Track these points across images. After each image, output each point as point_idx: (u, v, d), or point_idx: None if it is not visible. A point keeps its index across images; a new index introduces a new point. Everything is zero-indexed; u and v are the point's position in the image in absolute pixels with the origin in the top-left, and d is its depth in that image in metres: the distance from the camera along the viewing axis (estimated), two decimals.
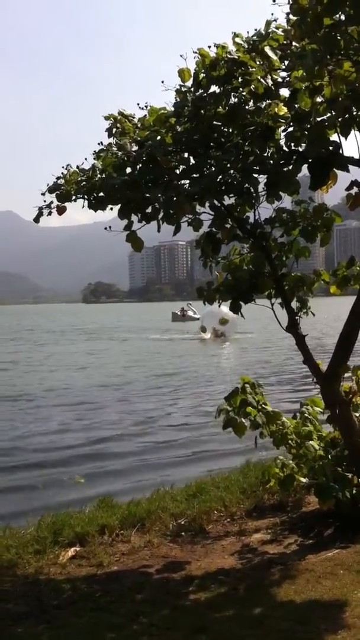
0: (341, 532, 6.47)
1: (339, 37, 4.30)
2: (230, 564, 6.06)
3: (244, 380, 7.37)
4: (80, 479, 11.01)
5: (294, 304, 6.62)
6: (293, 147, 5.81)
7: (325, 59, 4.42)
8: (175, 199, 5.65)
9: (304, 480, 6.88)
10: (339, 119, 4.99)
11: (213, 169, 5.82)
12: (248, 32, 6.14)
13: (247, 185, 5.69)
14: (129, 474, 11.68)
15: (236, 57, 5.65)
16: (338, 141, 5.53)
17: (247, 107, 5.88)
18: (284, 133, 5.82)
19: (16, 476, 11.72)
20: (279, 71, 6.07)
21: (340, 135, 5.19)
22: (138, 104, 6.41)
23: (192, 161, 6.08)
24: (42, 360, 35.73)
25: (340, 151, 5.49)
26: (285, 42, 6.26)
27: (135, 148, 6.02)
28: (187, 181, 6.01)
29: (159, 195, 5.65)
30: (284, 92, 5.98)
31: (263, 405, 7.20)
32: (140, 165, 5.97)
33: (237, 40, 6.02)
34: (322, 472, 6.50)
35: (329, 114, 5.42)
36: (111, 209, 6.16)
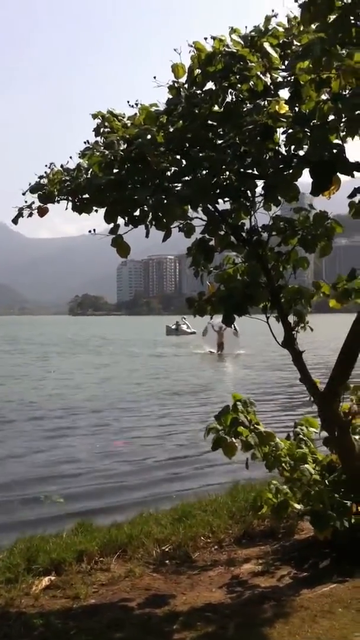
0: (338, 564, 6.01)
1: (352, 20, 3.90)
2: (218, 598, 5.57)
3: (235, 398, 6.92)
4: (59, 499, 10.47)
5: (291, 319, 6.20)
6: (293, 150, 5.41)
7: (335, 47, 4.02)
8: (165, 201, 5.21)
9: (298, 507, 6.41)
10: (345, 117, 4.59)
11: (206, 170, 5.43)
12: (247, 27, 5.79)
13: (243, 188, 5.27)
14: (110, 494, 11.13)
15: (234, 50, 5.26)
16: (341, 144, 5.19)
17: (244, 105, 5.49)
18: (284, 135, 5.43)
19: None
20: (278, 71, 5.73)
21: (345, 135, 4.80)
22: (128, 102, 6.01)
23: (184, 163, 5.70)
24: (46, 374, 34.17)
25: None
26: (286, 39, 5.92)
27: (124, 147, 5.59)
28: (179, 184, 5.62)
29: (148, 197, 5.23)
30: (284, 94, 5.64)
31: (255, 425, 6.74)
32: (128, 164, 5.55)
33: (234, 36, 5.67)
34: (318, 499, 6.04)
35: (332, 117, 5.07)
36: (96, 211, 5.73)
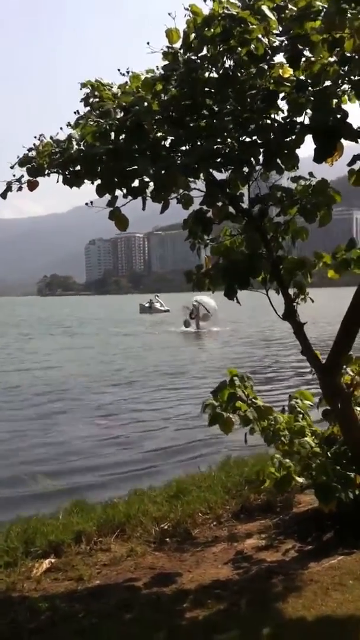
0: (341, 536, 5.97)
1: None
2: (225, 574, 5.50)
3: (231, 373, 6.81)
4: (46, 479, 10.33)
5: (291, 291, 6.08)
6: (295, 116, 5.25)
7: (349, 5, 3.87)
8: (166, 171, 5.03)
9: (300, 480, 6.35)
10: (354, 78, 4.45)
11: (206, 139, 5.25)
12: None
13: (245, 156, 5.11)
14: (99, 471, 11.04)
15: (234, 13, 5.05)
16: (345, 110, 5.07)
17: (243, 70, 5.31)
18: (284, 101, 5.27)
19: None
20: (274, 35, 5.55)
21: (355, 98, 4.67)
22: (119, 70, 5.77)
23: (180, 132, 5.51)
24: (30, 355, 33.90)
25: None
26: (282, 3, 5.73)
27: (119, 115, 5.38)
28: (177, 153, 5.44)
29: (149, 166, 5.04)
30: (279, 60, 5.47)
31: (253, 400, 6.65)
32: (125, 133, 5.35)
33: None
34: (322, 471, 5.97)
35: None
36: (92, 182, 5.51)
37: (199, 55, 5.45)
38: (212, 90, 5.40)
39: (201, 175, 5.34)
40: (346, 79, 4.98)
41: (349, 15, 4.04)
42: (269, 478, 6.50)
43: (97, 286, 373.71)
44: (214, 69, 5.38)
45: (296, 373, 21.60)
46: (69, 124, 5.79)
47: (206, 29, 5.25)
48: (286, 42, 5.32)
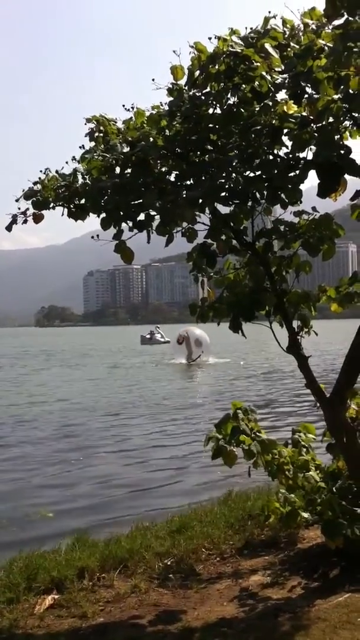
0: (349, 573, 5.89)
1: None
2: (231, 612, 5.41)
3: (235, 406, 6.79)
4: (48, 513, 10.21)
5: (295, 324, 6.09)
6: (299, 152, 5.31)
7: (356, 43, 3.94)
8: (173, 204, 5.07)
9: (306, 515, 6.29)
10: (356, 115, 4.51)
11: (210, 174, 5.31)
12: (246, 28, 5.70)
13: (254, 191, 5.16)
14: (100, 508, 10.90)
15: (239, 50, 5.15)
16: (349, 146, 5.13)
17: (247, 106, 5.39)
18: (287, 137, 5.33)
19: None
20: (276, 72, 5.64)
21: (357, 134, 4.73)
22: (123, 105, 5.88)
23: (185, 167, 5.58)
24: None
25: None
26: (283, 41, 5.84)
27: (125, 150, 5.45)
28: (181, 188, 5.50)
29: (155, 200, 5.09)
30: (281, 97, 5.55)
31: (257, 433, 6.62)
32: (131, 168, 5.41)
33: (234, 37, 5.56)
34: (328, 507, 5.92)
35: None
36: (98, 216, 5.55)
37: (204, 91, 5.55)
38: (217, 126, 5.48)
39: (206, 209, 5.37)
40: (348, 115, 5.04)
41: (354, 52, 4.10)
42: (273, 513, 6.45)
43: (95, 317, 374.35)
44: (218, 105, 5.47)
45: (300, 405, 21.49)
46: (74, 158, 5.87)
47: (211, 66, 5.34)
48: (289, 79, 5.42)
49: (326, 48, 4.73)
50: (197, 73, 5.52)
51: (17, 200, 5.88)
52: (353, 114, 4.77)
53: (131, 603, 5.71)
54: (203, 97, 5.45)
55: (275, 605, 5.44)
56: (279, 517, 6.44)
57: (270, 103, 5.03)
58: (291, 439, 7.18)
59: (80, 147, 5.93)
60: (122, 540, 7.20)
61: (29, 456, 15.51)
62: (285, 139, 5.34)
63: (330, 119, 5.14)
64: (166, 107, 5.53)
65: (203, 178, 5.24)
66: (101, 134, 5.88)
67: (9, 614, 5.55)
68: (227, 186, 5.24)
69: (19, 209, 5.87)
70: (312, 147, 5.15)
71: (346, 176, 5.26)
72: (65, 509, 10.64)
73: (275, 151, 5.35)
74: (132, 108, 5.86)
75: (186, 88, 5.60)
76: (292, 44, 5.71)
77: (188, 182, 5.52)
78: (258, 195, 5.30)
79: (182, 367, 44.07)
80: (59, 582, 6.13)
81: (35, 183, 5.82)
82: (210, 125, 5.49)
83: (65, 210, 5.90)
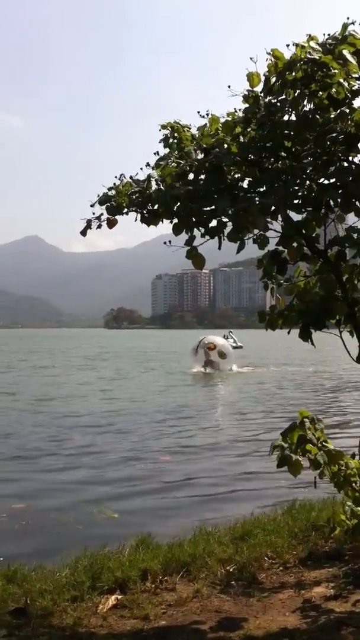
0: None
1: None
2: (293, 623, 5.35)
3: (302, 415, 6.71)
4: (113, 514, 10.33)
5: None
6: None
7: None
8: (246, 211, 5.08)
9: None
10: None
11: (283, 181, 5.29)
12: (324, 34, 5.65)
13: (328, 198, 5.12)
14: (164, 510, 10.96)
15: (317, 57, 5.12)
16: None
17: (323, 113, 5.35)
18: None
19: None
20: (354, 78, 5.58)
21: None
22: (198, 112, 5.92)
23: (258, 173, 5.57)
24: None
25: None
26: None
27: (200, 156, 5.48)
28: (254, 194, 5.50)
29: (228, 207, 5.10)
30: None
31: (323, 443, 6.53)
32: (204, 174, 5.44)
33: (312, 43, 5.52)
34: None
35: None
36: (171, 221, 5.60)
37: (279, 98, 5.53)
38: (292, 133, 5.46)
39: (278, 216, 5.35)
40: None
41: None
42: (339, 525, 6.34)
43: (162, 320, 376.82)
44: (293, 112, 5.44)
45: None
46: (148, 164, 5.94)
47: (287, 72, 5.33)
48: None
49: None
50: (273, 80, 5.52)
51: (92, 206, 5.98)
52: None
53: (193, 608, 5.73)
54: (279, 104, 5.43)
55: (338, 619, 5.36)
56: (344, 530, 6.32)
57: (347, 110, 4.97)
58: (358, 451, 7.05)
59: (155, 154, 6.01)
60: (185, 544, 7.23)
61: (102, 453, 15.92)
62: None
63: None
64: (241, 114, 5.53)
65: (276, 185, 5.21)
66: (175, 140, 5.94)
67: (73, 611, 5.64)
68: (300, 193, 5.21)
69: (93, 213, 5.98)
70: None
71: None
72: (129, 510, 10.75)
73: (351, 158, 5.29)
74: (207, 115, 5.90)
75: (262, 95, 5.60)
76: None
77: (261, 189, 5.51)
78: (332, 202, 5.23)
79: (246, 374, 43.69)
80: (122, 583, 6.20)
81: (109, 189, 5.92)
82: (285, 132, 5.47)
83: (138, 215, 5.98)
